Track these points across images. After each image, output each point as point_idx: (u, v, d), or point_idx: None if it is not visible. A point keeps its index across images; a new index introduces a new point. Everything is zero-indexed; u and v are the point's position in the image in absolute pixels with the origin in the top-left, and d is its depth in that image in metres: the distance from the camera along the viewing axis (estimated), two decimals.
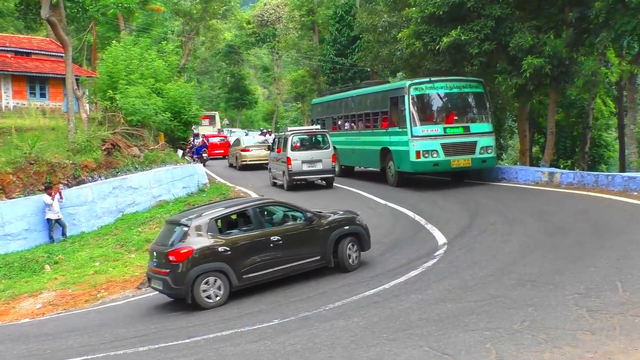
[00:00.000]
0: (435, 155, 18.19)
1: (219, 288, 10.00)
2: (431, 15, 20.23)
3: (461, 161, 18.48)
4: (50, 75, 31.00)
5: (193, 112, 27.03)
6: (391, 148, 19.63)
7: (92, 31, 42.24)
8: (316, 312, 8.61)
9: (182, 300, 10.02)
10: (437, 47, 20.27)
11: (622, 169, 25.57)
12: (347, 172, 24.98)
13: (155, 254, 10.41)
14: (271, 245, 10.47)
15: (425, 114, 19.05)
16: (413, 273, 10.05)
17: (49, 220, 17.36)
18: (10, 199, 17.48)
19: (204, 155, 32.63)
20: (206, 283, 9.88)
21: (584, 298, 7.64)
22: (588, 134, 26.75)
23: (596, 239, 10.89)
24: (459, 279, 9.41)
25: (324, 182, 21.90)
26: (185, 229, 10.07)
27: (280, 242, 10.56)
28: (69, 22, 38.97)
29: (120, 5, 40.00)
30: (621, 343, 6.12)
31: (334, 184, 21.78)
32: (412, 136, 18.20)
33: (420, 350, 6.50)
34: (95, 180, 19.52)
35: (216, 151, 37.13)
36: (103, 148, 20.76)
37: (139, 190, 20.30)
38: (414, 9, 21.34)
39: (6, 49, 31.79)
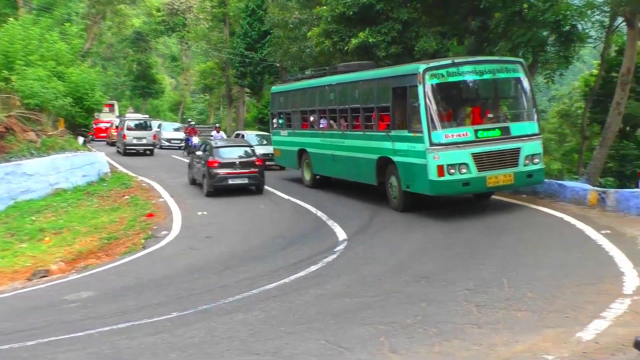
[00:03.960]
0: (464, 170, 12.85)
1: None
2: (341, 15, 20.47)
3: (500, 177, 13.16)
4: None
5: (96, 98, 26.35)
6: (395, 159, 14.23)
7: None
8: (216, 305, 8.57)
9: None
10: (346, 48, 20.52)
11: None
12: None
13: None
14: None
15: (448, 111, 13.80)
16: (313, 268, 10.21)
17: None
18: None
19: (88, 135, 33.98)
20: None
21: (473, 294, 8.06)
22: None
23: (489, 238, 11.50)
24: (357, 274, 9.66)
25: (148, 152, 32.87)
26: None
27: None
28: None
29: None
30: (504, 336, 6.51)
31: None
32: (432, 144, 12.80)
33: (317, 344, 6.64)
34: None
35: (101, 134, 42.44)
36: None
37: (35, 177, 19.44)
38: (324, 7, 21.54)
39: None
